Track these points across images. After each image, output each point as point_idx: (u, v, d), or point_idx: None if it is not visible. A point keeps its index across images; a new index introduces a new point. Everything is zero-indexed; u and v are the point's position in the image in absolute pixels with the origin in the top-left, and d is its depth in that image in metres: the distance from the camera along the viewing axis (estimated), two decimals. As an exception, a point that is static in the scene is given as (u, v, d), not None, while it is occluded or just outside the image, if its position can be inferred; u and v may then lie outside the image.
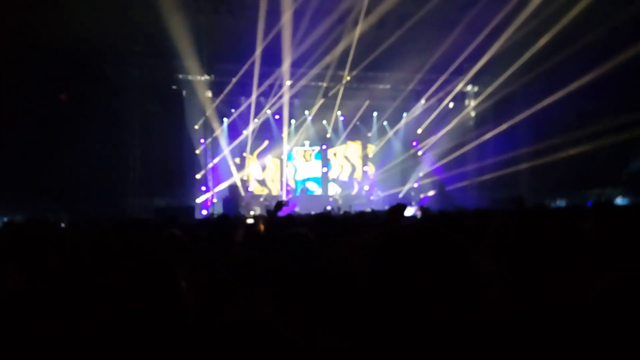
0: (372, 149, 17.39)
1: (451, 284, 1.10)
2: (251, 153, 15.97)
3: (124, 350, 1.62)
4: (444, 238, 1.18)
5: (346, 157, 17.31)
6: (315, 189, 16.74)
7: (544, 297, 1.73)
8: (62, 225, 6.03)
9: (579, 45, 11.72)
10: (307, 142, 16.82)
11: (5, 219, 9.58)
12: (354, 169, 17.32)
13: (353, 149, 17.36)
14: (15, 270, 1.54)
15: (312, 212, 7.96)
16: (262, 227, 5.48)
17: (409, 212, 11.99)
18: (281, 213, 5.09)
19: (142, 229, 4.44)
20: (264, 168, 16.36)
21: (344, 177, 17.24)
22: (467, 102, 16.51)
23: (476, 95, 16.21)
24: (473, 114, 16.41)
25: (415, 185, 16.64)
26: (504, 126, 14.52)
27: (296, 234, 3.36)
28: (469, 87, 16.21)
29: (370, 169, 17.45)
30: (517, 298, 1.84)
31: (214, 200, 14.62)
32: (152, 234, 4.00)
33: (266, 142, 16.10)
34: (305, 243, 3.23)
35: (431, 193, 15.06)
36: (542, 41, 12.59)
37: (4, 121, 11.44)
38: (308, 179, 16.73)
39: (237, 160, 15.68)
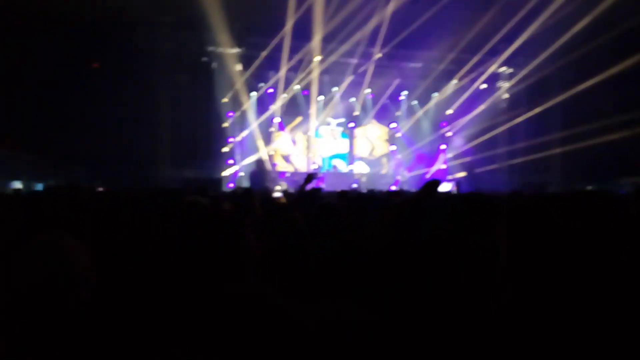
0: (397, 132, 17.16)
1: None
2: (281, 128, 15.95)
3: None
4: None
5: (373, 137, 17.17)
6: (342, 166, 16.68)
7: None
8: (99, 189, 6.14)
9: (617, 30, 11.35)
10: (334, 120, 16.70)
11: (41, 185, 9.81)
12: (380, 148, 17.18)
13: (375, 130, 17.17)
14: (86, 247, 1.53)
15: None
16: (283, 200, 5.51)
17: (444, 188, 11.91)
18: (308, 187, 5.10)
19: (173, 198, 4.49)
20: (295, 143, 16.34)
21: (371, 156, 17.13)
22: (500, 84, 16.16)
23: (510, 77, 15.85)
24: (506, 96, 16.07)
25: (444, 166, 16.46)
26: (536, 110, 14.22)
27: (326, 204, 3.36)
28: (503, 69, 15.84)
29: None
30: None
31: (241, 174, 14.72)
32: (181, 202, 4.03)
33: (299, 118, 16.03)
34: (334, 212, 3.24)
35: (460, 174, 14.90)
36: (580, 25, 12.21)
37: (38, 90, 11.65)
38: (335, 156, 16.68)
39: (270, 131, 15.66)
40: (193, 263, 1.95)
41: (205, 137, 14.07)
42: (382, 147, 17.18)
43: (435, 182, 3.33)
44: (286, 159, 16.31)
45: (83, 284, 1.47)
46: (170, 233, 2.62)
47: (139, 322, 1.69)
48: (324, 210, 3.26)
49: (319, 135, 16.51)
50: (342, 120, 16.70)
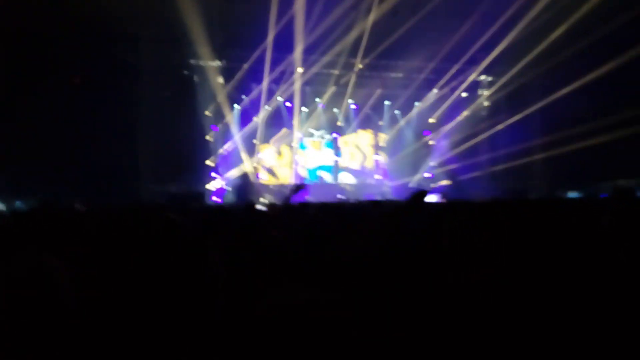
0: (383, 138, 17.26)
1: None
2: (264, 141, 15.91)
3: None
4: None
5: (357, 146, 17.21)
6: (327, 177, 16.68)
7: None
8: (77, 207, 6.04)
9: (594, 37, 11.57)
10: (318, 131, 16.72)
11: (19, 203, 9.64)
12: (364, 157, 17.23)
13: (364, 137, 17.25)
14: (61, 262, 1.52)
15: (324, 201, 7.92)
16: (273, 212, 5.49)
17: (431, 198, 11.98)
18: (294, 200, 5.08)
19: (148, 214, 4.43)
20: (279, 154, 16.28)
21: (355, 166, 17.16)
22: (480, 92, 16.36)
23: (490, 85, 16.05)
24: (486, 103, 16.27)
25: (427, 175, 16.56)
26: (517, 117, 14.40)
27: (314, 216, 3.35)
28: (483, 77, 16.05)
29: (382, 157, 17.35)
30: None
31: (226, 187, 14.64)
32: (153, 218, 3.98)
33: (284, 130, 16.01)
34: (322, 225, 3.23)
35: (445, 183, 15.00)
36: (557, 32, 12.43)
37: (16, 105, 11.48)
38: (319, 168, 16.68)
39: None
40: (161, 281, 1.92)
41: (189, 151, 13.97)
42: (371, 158, 17.28)
43: (422, 193, 3.36)
44: (270, 171, 16.26)
45: (61, 297, 1.45)
46: (143, 250, 2.57)
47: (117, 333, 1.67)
48: (312, 223, 3.25)
49: (304, 146, 16.51)
50: (322, 137, 16.75)
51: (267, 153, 16.11)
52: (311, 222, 3.37)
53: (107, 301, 1.93)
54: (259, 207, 7.03)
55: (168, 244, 2.24)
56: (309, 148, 16.67)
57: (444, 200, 8.86)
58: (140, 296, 1.88)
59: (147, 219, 3.83)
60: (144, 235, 2.95)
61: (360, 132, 17.16)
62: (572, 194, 11.97)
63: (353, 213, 5.17)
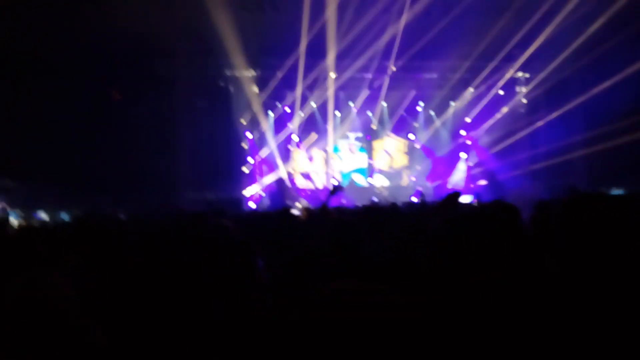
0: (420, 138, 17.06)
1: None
2: (298, 146, 16.05)
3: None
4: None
5: (386, 151, 17.11)
6: (362, 181, 16.66)
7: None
8: (122, 218, 6.26)
9: (634, 28, 11.19)
10: (351, 135, 16.73)
11: (65, 215, 10.02)
12: (393, 160, 17.11)
13: (393, 143, 17.10)
14: (66, 277, 1.62)
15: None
16: (305, 215, 5.55)
17: (465, 199, 11.84)
18: (331, 203, 5.12)
19: (195, 221, 4.55)
20: (311, 160, 16.39)
21: (390, 169, 17.07)
22: (517, 89, 16.02)
23: (527, 82, 15.71)
24: (524, 101, 15.92)
25: (466, 174, 16.33)
26: (556, 113, 14.04)
27: (344, 221, 3.38)
28: (520, 74, 15.71)
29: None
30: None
31: (262, 193, 14.83)
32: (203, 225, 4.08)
33: (312, 134, 16.12)
34: (352, 230, 3.25)
35: (482, 182, 14.75)
36: (595, 25, 12.08)
37: (59, 120, 11.96)
38: (354, 171, 16.69)
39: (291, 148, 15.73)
40: (209, 287, 1.98)
41: (225, 159, 14.25)
42: (401, 159, 17.13)
43: (455, 194, 3.35)
44: (305, 176, 16.36)
45: (65, 314, 1.53)
46: (191, 258, 2.66)
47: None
48: (342, 228, 3.27)
49: (338, 150, 16.56)
50: (360, 134, 16.73)
51: (300, 158, 16.23)
52: (344, 225, 3.39)
53: (158, 308, 2.00)
54: (294, 211, 7.11)
55: (222, 249, 2.31)
56: (343, 152, 16.70)
57: (475, 202, 8.71)
58: (194, 301, 1.95)
59: (198, 225, 3.95)
60: (197, 243, 3.05)
61: (393, 136, 17.01)
62: (616, 191, 11.56)
63: (386, 216, 5.16)
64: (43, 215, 10.57)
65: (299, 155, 16.17)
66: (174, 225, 4.45)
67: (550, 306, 1.18)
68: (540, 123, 14.55)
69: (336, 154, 16.51)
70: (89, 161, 12.27)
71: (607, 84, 12.48)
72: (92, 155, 12.39)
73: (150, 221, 5.44)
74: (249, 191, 14.79)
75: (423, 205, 6.79)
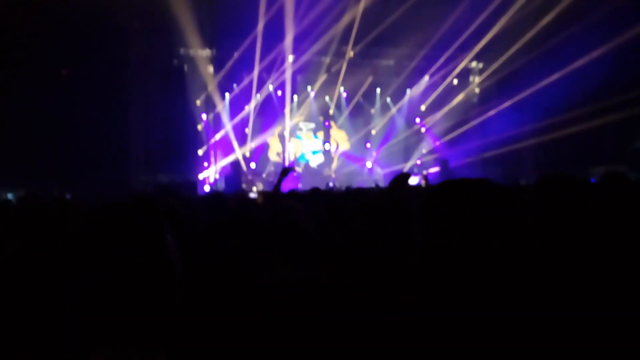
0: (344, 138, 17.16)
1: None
2: (255, 130, 15.87)
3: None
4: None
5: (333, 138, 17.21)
6: (317, 160, 16.64)
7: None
8: (67, 198, 6.04)
9: (585, 22, 11.57)
10: (306, 125, 16.71)
11: (10, 195, 9.61)
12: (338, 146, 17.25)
13: (336, 133, 17.21)
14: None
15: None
16: (260, 199, 5.50)
17: (413, 181, 12.04)
18: (284, 189, 5.06)
19: (143, 203, 4.43)
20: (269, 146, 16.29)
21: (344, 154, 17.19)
22: (471, 78, 16.35)
23: (481, 71, 16.05)
24: (477, 90, 16.27)
25: (418, 162, 16.61)
26: (508, 103, 14.42)
27: (286, 207, 3.33)
28: (474, 64, 16.03)
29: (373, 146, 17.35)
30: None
31: (216, 176, 14.63)
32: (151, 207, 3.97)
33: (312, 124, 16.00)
34: (293, 216, 3.21)
35: (434, 170, 15.04)
36: (548, 17, 12.43)
37: (6, 98, 11.41)
38: (312, 153, 16.73)
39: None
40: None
41: (179, 141, 13.94)
42: (345, 147, 17.27)
43: (405, 175, 3.38)
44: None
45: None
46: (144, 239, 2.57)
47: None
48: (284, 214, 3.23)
49: (299, 137, 16.53)
50: (313, 125, 16.72)
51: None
52: (285, 210, 3.34)
53: (109, 293, 1.93)
54: (251, 195, 7.04)
55: (170, 231, 2.23)
56: (303, 138, 16.69)
57: (423, 183, 8.94)
58: (142, 285, 1.88)
59: (146, 207, 3.83)
60: (144, 225, 2.94)
61: (335, 126, 17.07)
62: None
63: (340, 200, 5.18)
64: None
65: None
66: (118, 207, 4.32)
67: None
68: (492, 112, 14.91)
69: (297, 139, 16.47)
70: (38, 141, 11.77)
71: (556, 75, 12.89)
72: (40, 134, 11.88)
73: (97, 203, 5.26)
74: (203, 174, 14.55)
75: (375, 190, 6.84)
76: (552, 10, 12.28)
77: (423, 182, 9.31)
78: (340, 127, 17.16)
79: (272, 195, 4.86)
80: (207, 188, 13.95)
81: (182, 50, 14.07)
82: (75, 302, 1.62)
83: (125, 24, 12.76)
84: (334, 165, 16.86)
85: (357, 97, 16.68)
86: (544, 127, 13.24)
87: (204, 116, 14.87)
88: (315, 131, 16.84)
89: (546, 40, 12.73)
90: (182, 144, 14.01)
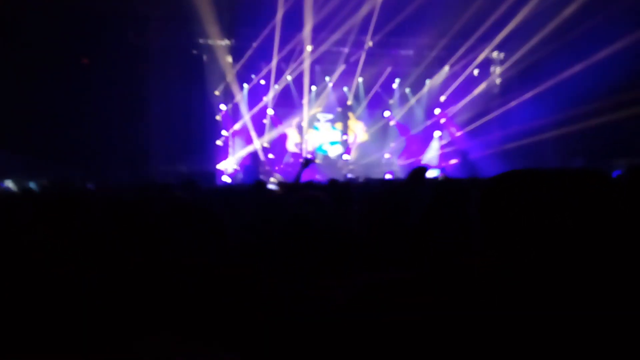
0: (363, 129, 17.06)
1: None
2: (272, 121, 15.89)
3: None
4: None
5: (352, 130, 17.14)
6: (336, 150, 16.62)
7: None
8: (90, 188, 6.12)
9: (608, 13, 11.33)
10: (323, 116, 16.66)
11: (32, 183, 9.75)
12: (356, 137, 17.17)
13: (354, 124, 17.12)
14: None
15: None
16: (282, 190, 5.51)
17: (431, 174, 11.98)
18: (302, 180, 5.07)
19: (155, 193, 4.47)
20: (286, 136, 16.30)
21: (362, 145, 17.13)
22: (492, 69, 16.12)
23: (502, 62, 15.81)
24: (498, 81, 16.05)
25: (439, 152, 16.48)
26: (529, 94, 14.20)
27: (310, 196, 3.34)
28: (495, 54, 15.80)
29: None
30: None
31: (235, 167, 14.70)
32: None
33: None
34: (318, 205, 3.22)
35: (454, 161, 14.91)
36: (571, 8, 12.18)
37: (28, 87, 11.56)
38: (330, 144, 16.71)
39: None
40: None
41: (198, 131, 14.02)
42: (363, 138, 17.18)
43: (422, 169, 3.37)
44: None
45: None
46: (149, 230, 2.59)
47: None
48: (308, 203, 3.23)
49: (317, 127, 16.51)
50: (331, 116, 16.66)
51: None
52: (314, 201, 3.36)
53: (113, 284, 1.94)
54: (270, 186, 7.05)
55: (176, 223, 2.24)
56: (321, 129, 16.67)
57: (441, 177, 8.92)
58: (146, 279, 1.88)
59: (154, 198, 3.86)
60: (149, 215, 2.97)
61: (353, 117, 16.97)
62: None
63: (358, 191, 5.16)
64: (10, 185, 10.27)
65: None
66: (138, 196, 4.36)
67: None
68: (513, 103, 14.71)
69: (315, 130, 16.46)
70: (58, 130, 11.92)
71: (578, 67, 12.67)
72: (61, 123, 12.03)
73: (118, 192, 5.32)
74: (222, 165, 14.62)
75: (395, 181, 6.82)
76: (574, 1, 12.04)
77: (441, 177, 9.29)
78: (358, 118, 17.08)
79: (293, 185, 4.88)
80: (225, 178, 14.03)
81: (201, 40, 14.11)
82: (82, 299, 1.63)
83: (145, 13, 12.83)
84: (353, 156, 16.81)
85: (376, 88, 16.57)
86: (566, 118, 13.03)
87: (222, 106, 14.92)
88: (333, 122, 16.80)
89: (569, 31, 12.49)
90: (201, 134, 14.10)
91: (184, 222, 2.04)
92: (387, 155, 16.88)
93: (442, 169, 13.56)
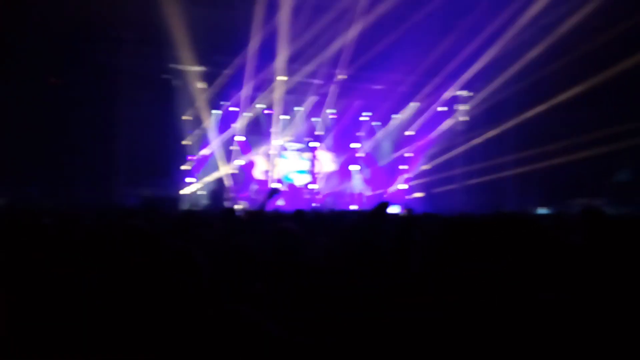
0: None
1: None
2: (242, 148, 15.86)
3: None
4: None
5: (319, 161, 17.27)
6: (302, 180, 16.66)
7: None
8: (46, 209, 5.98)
9: (570, 57, 11.86)
10: (292, 145, 16.74)
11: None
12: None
13: (323, 155, 17.29)
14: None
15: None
16: (246, 217, 5.51)
17: (393, 210, 12.12)
18: (268, 208, 5.09)
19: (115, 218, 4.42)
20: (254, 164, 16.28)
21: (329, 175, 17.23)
22: (457, 106, 16.59)
23: (467, 100, 16.30)
24: (463, 118, 16.51)
25: (404, 186, 16.72)
26: (492, 132, 14.63)
27: (283, 228, 3.37)
28: (461, 92, 16.29)
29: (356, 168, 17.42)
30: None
31: (201, 192, 14.57)
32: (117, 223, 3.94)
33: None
34: (291, 237, 3.26)
35: (418, 195, 15.15)
36: (535, 51, 12.72)
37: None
38: (296, 172, 16.76)
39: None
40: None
41: (165, 155, 13.89)
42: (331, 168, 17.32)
43: (384, 204, 3.46)
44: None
45: None
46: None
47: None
48: (281, 235, 3.26)
49: (285, 156, 16.56)
50: (300, 145, 16.77)
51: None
52: (282, 231, 3.40)
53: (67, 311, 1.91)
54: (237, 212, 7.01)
55: (134, 252, 2.23)
56: (289, 158, 16.72)
57: (405, 212, 9.10)
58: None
59: (112, 226, 3.79)
60: (107, 244, 2.92)
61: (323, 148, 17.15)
62: (542, 210, 12.18)
63: (322, 222, 5.21)
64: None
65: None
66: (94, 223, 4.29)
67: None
68: (476, 141, 15.12)
69: (282, 158, 16.50)
70: (23, 148, 11.63)
71: (541, 107, 13.15)
72: (27, 142, 11.74)
73: (76, 215, 5.21)
74: (186, 190, 14.47)
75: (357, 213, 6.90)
76: (540, 44, 12.57)
77: (404, 212, 9.48)
78: (327, 149, 17.24)
79: (257, 214, 4.89)
80: (188, 204, 13.87)
81: (172, 65, 14.11)
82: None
83: (117, 34, 12.79)
84: (319, 185, 16.89)
85: (346, 120, 16.81)
86: (526, 157, 13.45)
87: (191, 132, 14.85)
88: (301, 151, 16.90)
89: (533, 72, 13.01)
90: (168, 158, 13.96)
91: (141, 251, 2.03)
92: (355, 185, 17.01)
93: (404, 204, 13.73)
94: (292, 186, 16.38)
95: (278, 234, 3.27)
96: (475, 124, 15.75)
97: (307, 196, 15.82)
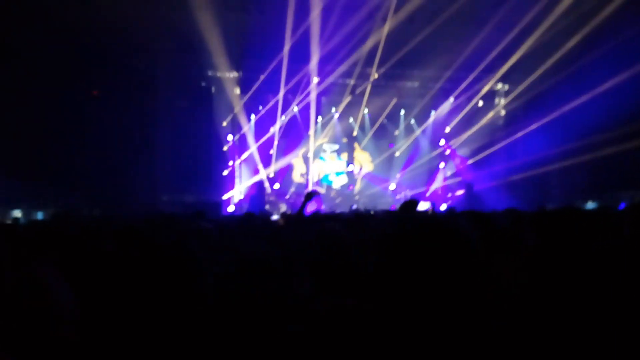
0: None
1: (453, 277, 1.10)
2: (280, 151, 16.01)
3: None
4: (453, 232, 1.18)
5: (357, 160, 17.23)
6: (341, 181, 16.67)
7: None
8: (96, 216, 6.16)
9: (613, 44, 11.43)
10: (329, 146, 16.79)
11: (41, 214, 9.83)
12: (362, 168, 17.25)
13: (360, 155, 17.23)
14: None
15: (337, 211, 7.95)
16: (282, 221, 5.52)
17: (423, 207, 11.96)
18: (307, 212, 5.09)
19: (171, 224, 4.49)
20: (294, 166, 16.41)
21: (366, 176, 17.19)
22: (497, 100, 16.24)
23: (506, 93, 15.93)
24: (503, 112, 16.14)
25: (443, 184, 16.48)
26: (534, 126, 14.23)
27: (327, 229, 3.34)
28: (499, 86, 15.93)
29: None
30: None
31: (241, 197, 14.75)
32: (180, 228, 4.02)
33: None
34: (336, 238, 3.22)
35: (459, 193, 14.89)
36: (575, 39, 12.31)
37: (38, 118, 11.72)
38: (335, 174, 16.78)
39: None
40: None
41: (205, 161, 14.12)
42: (369, 168, 17.25)
43: (413, 202, 3.41)
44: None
45: (64, 316, 1.48)
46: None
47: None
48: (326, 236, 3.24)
49: (323, 158, 16.62)
50: (336, 146, 16.79)
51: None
52: (329, 234, 3.37)
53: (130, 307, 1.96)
54: (273, 217, 7.07)
55: (202, 253, 2.26)
56: (327, 160, 16.77)
57: (430, 210, 9.02)
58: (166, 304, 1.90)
59: (173, 229, 3.87)
60: (174, 246, 2.98)
61: (359, 148, 17.09)
62: (590, 204, 11.78)
63: (362, 224, 5.17)
64: (18, 214, 10.35)
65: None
66: (147, 226, 4.37)
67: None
68: (518, 135, 14.74)
69: (321, 160, 16.56)
70: (66, 159, 12.03)
71: (584, 98, 12.70)
72: (70, 153, 12.14)
73: (125, 221, 5.35)
74: (228, 195, 14.69)
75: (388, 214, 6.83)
76: (580, 32, 12.16)
77: (430, 209, 9.39)
78: (364, 149, 17.18)
79: (296, 218, 4.89)
80: (231, 208, 14.06)
81: (209, 72, 14.35)
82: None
83: (154, 44, 13.07)
84: (358, 186, 16.85)
85: (381, 119, 16.71)
86: (571, 150, 13.01)
87: (230, 137, 15.07)
88: (339, 152, 16.90)
89: (573, 62, 12.59)
90: (208, 164, 14.20)
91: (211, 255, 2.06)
92: (392, 186, 16.89)
93: (432, 202, 13.45)
94: (330, 188, 16.40)
95: (322, 235, 3.24)
96: (516, 118, 15.37)
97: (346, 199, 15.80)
